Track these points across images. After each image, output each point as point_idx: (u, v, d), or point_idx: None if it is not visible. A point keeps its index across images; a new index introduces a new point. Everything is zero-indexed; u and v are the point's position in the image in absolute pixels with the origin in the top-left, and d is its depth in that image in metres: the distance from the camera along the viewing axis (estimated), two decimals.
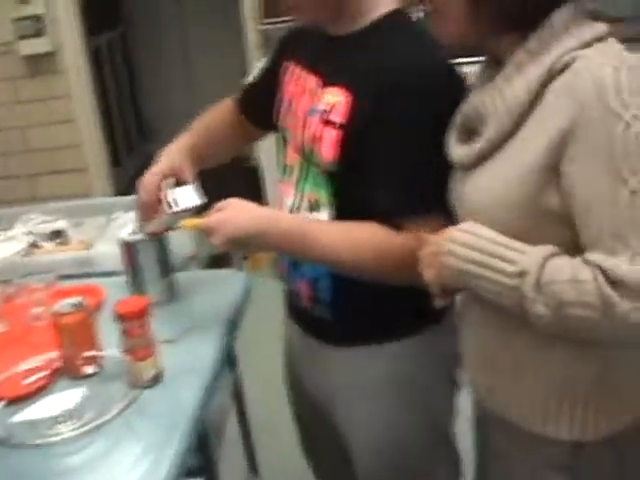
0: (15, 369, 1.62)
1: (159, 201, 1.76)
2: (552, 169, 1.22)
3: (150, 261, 1.91)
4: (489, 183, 1.31)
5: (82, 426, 1.46)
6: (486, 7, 1.29)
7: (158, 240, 1.90)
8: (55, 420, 1.50)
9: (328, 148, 1.55)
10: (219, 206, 1.59)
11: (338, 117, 1.54)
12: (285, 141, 1.74)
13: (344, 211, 1.59)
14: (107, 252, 2.22)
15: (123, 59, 6.26)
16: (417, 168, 1.51)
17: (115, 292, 1.91)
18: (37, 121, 4.82)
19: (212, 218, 1.58)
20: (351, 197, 1.58)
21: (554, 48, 1.25)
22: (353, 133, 1.53)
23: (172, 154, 1.85)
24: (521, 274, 1.20)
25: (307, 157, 1.63)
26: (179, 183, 1.80)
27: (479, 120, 1.33)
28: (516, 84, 1.27)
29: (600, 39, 1.26)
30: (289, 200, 1.69)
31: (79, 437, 1.45)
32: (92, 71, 4.96)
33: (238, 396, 2.53)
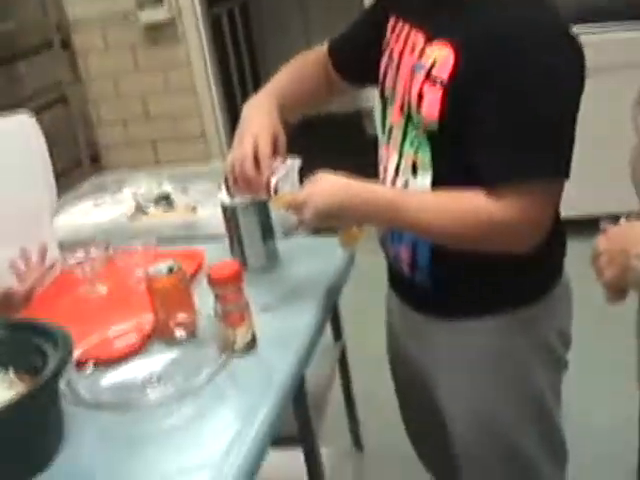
0: (109, 331, 1.60)
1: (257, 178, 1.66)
2: None
3: (251, 226, 1.88)
4: None
5: (171, 390, 1.43)
6: None
7: (260, 205, 1.86)
8: (145, 383, 1.48)
9: (431, 107, 1.48)
10: (309, 180, 1.54)
11: (442, 73, 1.46)
12: (387, 101, 1.67)
13: (443, 175, 1.52)
14: (211, 217, 2.20)
15: (244, 29, 6.25)
16: (529, 132, 1.41)
17: (217, 256, 1.87)
18: (157, 89, 4.88)
19: (300, 194, 1.53)
20: (452, 160, 1.51)
21: None
22: (457, 91, 1.44)
23: (267, 123, 1.73)
24: None
25: (409, 116, 1.55)
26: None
27: None
28: None
29: None
30: (393, 162, 1.63)
31: (168, 401, 1.42)
32: (212, 40, 4.96)
33: (343, 368, 2.49)
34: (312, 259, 1.93)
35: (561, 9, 1.46)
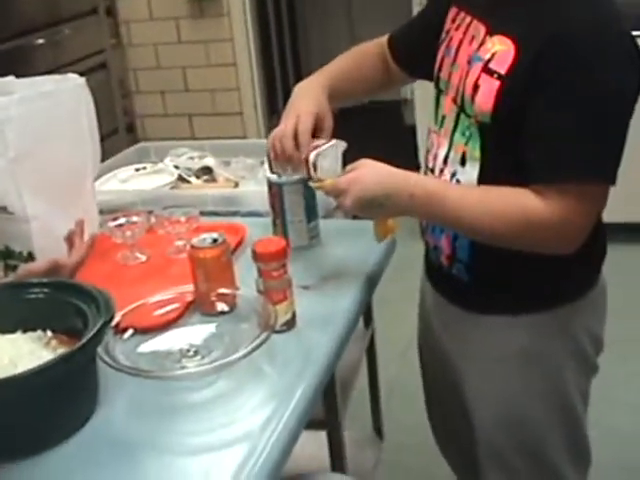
0: (148, 300, 1.59)
1: (296, 154, 1.66)
2: None
3: (295, 204, 1.86)
4: None
5: (208, 363, 1.42)
6: None
7: (305, 184, 1.84)
8: (181, 354, 1.46)
9: (485, 97, 1.46)
10: (351, 166, 1.52)
11: (500, 67, 1.44)
12: (441, 92, 1.65)
13: (491, 169, 1.51)
14: (254, 192, 2.18)
15: (287, 9, 6.23)
16: (586, 134, 1.40)
17: (258, 233, 1.86)
18: (198, 62, 4.87)
19: (342, 179, 1.51)
20: (501, 155, 1.50)
21: None
22: (514, 85, 1.43)
23: (314, 103, 1.73)
24: None
25: (462, 106, 1.54)
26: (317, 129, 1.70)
27: None
28: None
29: None
30: (442, 151, 1.61)
31: (203, 374, 1.41)
32: (256, 17, 4.94)
33: (371, 354, 2.47)
34: (353, 242, 1.91)
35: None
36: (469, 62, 1.52)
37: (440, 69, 1.65)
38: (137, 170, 2.42)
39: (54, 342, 1.40)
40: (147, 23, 4.87)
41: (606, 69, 1.39)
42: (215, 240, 1.61)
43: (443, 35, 1.67)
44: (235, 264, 1.69)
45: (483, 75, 1.47)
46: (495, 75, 1.45)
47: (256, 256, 1.53)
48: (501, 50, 1.45)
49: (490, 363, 1.67)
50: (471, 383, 1.70)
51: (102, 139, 2.00)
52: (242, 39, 4.80)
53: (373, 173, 1.51)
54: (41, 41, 4.13)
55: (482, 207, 1.46)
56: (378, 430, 2.58)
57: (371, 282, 1.79)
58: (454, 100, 1.58)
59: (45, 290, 1.46)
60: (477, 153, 1.52)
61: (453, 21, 1.65)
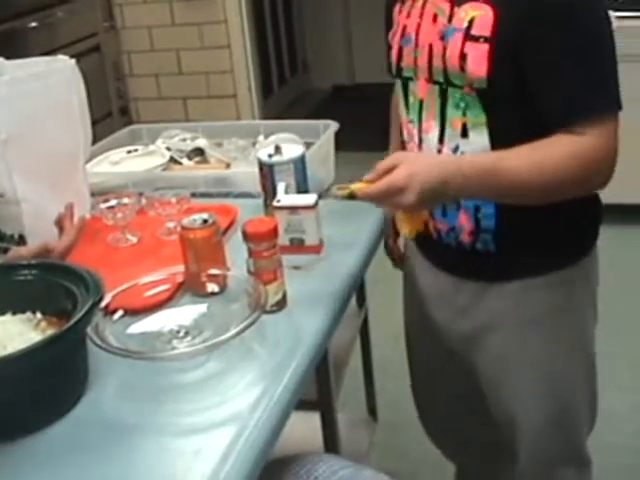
0: (139, 281, 1.58)
1: None
2: None
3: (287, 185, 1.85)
4: None
5: (198, 343, 1.41)
6: None
7: (297, 164, 1.84)
8: (172, 335, 1.46)
9: (477, 63, 1.47)
10: (387, 164, 1.47)
11: (484, 30, 1.46)
12: (407, 80, 1.65)
13: (500, 131, 1.52)
14: (245, 173, 2.18)
15: None
16: (593, 69, 1.46)
17: (249, 214, 1.85)
18: (191, 45, 4.85)
19: (394, 178, 1.43)
20: (507, 115, 1.52)
21: None
22: (504, 45, 1.45)
23: None
24: None
25: (448, 81, 1.54)
26: None
27: None
28: None
29: None
30: (432, 134, 1.61)
31: (194, 354, 1.41)
32: None
33: (364, 334, 2.47)
34: (345, 223, 1.91)
35: None
36: (442, 37, 1.52)
37: (399, 59, 1.65)
38: (129, 152, 2.41)
39: (43, 324, 1.39)
40: (140, 6, 4.85)
41: (596, 10, 1.47)
42: (205, 221, 1.60)
43: (394, 27, 1.67)
44: (226, 245, 1.68)
45: (468, 43, 1.48)
46: (481, 39, 1.46)
47: (246, 236, 1.53)
48: (479, 15, 1.47)
49: (522, 327, 1.69)
50: (493, 348, 1.72)
51: (96, 122, 1.99)
52: (236, 21, 4.77)
53: (422, 163, 1.47)
54: (34, 24, 4.11)
55: (536, 170, 1.46)
56: (372, 410, 2.59)
57: (364, 262, 1.79)
58: (429, 80, 1.58)
59: (34, 272, 1.45)
60: (482, 119, 1.53)
61: (400, 13, 1.66)
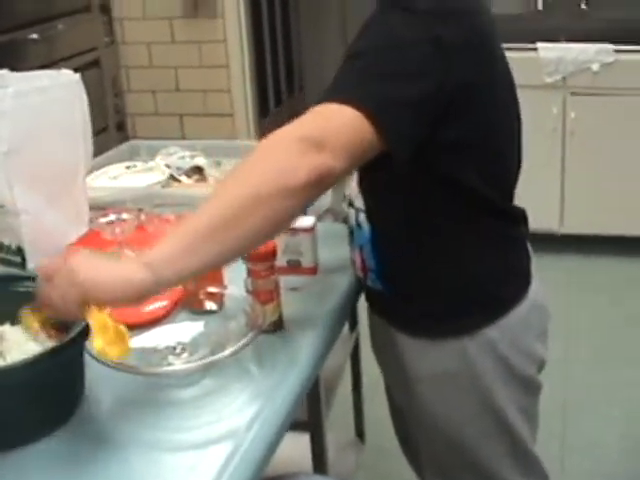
0: None
1: None
2: None
3: None
4: None
5: (195, 361, 1.43)
6: None
7: None
8: (168, 351, 1.48)
9: None
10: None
11: None
12: None
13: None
14: None
15: (281, 9, 6.24)
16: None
17: None
18: (191, 63, 4.86)
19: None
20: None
21: None
22: None
23: None
24: None
25: None
26: None
27: None
28: None
29: None
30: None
31: (190, 372, 1.42)
32: (250, 19, 4.95)
33: (355, 358, 2.48)
34: (340, 244, 1.91)
35: None
36: None
37: None
38: (128, 168, 2.42)
39: (42, 335, 1.40)
40: (141, 22, 4.86)
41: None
42: None
43: None
44: None
45: None
46: None
47: (246, 256, 1.54)
48: None
49: (420, 384, 1.65)
50: (409, 403, 1.72)
51: (92, 136, 2.00)
52: (235, 41, 4.79)
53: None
54: (35, 36, 4.12)
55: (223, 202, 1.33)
56: (360, 433, 2.60)
57: (358, 285, 1.80)
58: None
59: (34, 283, 1.46)
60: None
61: None
